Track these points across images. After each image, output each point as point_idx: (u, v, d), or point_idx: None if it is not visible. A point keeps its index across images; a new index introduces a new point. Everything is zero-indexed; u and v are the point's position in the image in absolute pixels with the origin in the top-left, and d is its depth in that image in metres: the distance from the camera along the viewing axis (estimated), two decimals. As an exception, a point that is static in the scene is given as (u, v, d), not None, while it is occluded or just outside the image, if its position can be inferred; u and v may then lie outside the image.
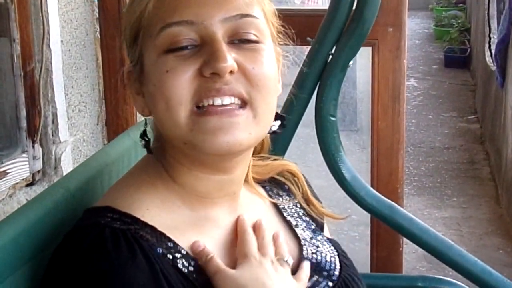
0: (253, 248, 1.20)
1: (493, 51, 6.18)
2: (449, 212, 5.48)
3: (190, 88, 1.13)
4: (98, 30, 2.85)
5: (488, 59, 6.53)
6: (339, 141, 2.09)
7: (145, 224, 1.15)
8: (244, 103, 1.15)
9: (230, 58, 1.12)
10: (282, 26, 1.30)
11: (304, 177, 1.49)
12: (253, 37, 1.16)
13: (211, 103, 1.12)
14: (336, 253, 1.38)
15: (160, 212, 1.19)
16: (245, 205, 1.32)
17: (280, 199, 1.43)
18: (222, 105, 1.12)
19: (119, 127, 1.89)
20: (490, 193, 5.89)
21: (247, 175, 1.34)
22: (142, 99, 1.23)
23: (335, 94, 2.04)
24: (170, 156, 1.22)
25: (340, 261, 1.36)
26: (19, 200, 2.54)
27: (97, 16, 2.83)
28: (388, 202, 2.11)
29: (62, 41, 2.80)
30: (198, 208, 1.24)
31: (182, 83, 1.12)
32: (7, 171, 2.59)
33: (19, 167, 2.64)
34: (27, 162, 2.68)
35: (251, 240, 1.21)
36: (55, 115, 2.75)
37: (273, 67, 1.20)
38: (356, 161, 2.06)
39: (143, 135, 1.26)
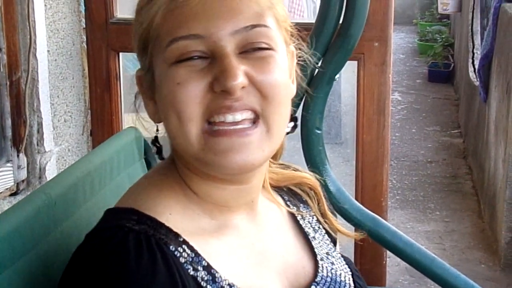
0: None
1: (476, 66, 6.19)
2: (432, 226, 5.49)
3: (202, 103, 1.11)
4: (85, 40, 2.83)
5: (472, 74, 6.55)
6: (324, 154, 2.10)
7: (169, 230, 1.13)
8: (256, 116, 1.13)
9: (240, 74, 1.09)
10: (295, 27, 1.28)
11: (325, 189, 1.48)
12: (263, 45, 1.14)
13: (222, 120, 1.10)
14: (350, 273, 1.37)
15: (181, 218, 1.18)
16: (263, 213, 1.31)
17: (297, 209, 1.41)
18: (234, 123, 1.10)
19: (104, 137, 1.88)
20: (473, 207, 5.91)
21: (264, 180, 1.32)
22: (153, 105, 1.21)
23: (321, 107, 2.05)
24: (183, 166, 1.21)
25: (354, 281, 1.35)
26: (2, 209, 2.53)
27: (84, 26, 2.81)
28: (372, 215, 2.11)
29: (48, 51, 2.79)
30: (218, 216, 1.22)
31: (193, 98, 1.11)
32: (-6, 180, 2.59)
33: (3, 176, 2.64)
34: (11, 172, 2.67)
35: None
36: (40, 125, 2.74)
37: (284, 73, 1.18)
38: (341, 174, 2.06)
39: (155, 141, 1.26)
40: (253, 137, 1.12)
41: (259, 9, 1.14)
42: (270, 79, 1.13)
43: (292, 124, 1.29)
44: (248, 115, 1.12)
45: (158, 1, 1.15)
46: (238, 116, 1.11)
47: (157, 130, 1.24)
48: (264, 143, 1.14)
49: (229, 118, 1.10)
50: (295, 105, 1.72)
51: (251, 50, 1.13)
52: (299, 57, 1.30)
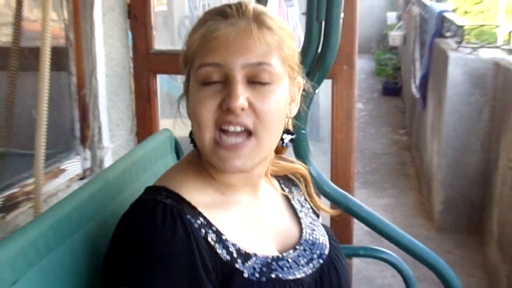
0: None
1: (417, 84, 6.19)
2: (386, 200, 5.50)
3: (213, 117, 1.12)
4: (132, 66, 2.82)
5: (414, 89, 6.54)
6: (308, 148, 2.09)
7: (188, 204, 1.14)
8: (250, 133, 1.13)
9: (242, 98, 1.10)
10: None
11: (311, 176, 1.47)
12: (266, 80, 1.13)
13: (226, 129, 1.11)
14: (327, 237, 1.36)
15: (199, 195, 1.18)
16: (263, 193, 1.30)
17: (289, 191, 1.40)
18: (235, 133, 1.12)
19: (146, 136, 1.89)
20: (415, 186, 5.92)
21: (266, 171, 1.32)
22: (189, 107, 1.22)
23: (306, 114, 2.04)
24: (204, 157, 1.21)
25: (329, 243, 1.34)
26: (73, 189, 2.52)
27: (131, 56, 2.80)
28: (343, 193, 2.10)
29: (106, 74, 2.78)
30: (227, 194, 1.22)
31: (207, 114, 1.12)
32: (65, 169, 2.59)
33: (74, 165, 2.64)
34: (79, 162, 2.67)
35: None
36: (99, 128, 2.74)
37: (279, 103, 1.17)
38: (320, 163, 2.04)
39: (191, 134, 1.25)
40: (244, 150, 1.13)
41: (267, 49, 1.14)
42: (266, 108, 1.13)
43: (289, 137, 1.28)
44: (244, 129, 1.13)
45: (196, 34, 1.16)
46: (238, 128, 1.12)
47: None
48: (254, 154, 1.14)
49: (231, 128, 1.12)
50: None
51: (256, 82, 1.13)
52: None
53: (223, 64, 1.11)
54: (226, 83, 1.12)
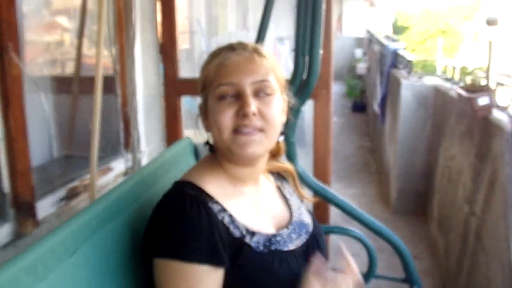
0: None
1: (378, 103, 6.18)
2: (354, 190, 5.48)
3: (231, 122, 1.13)
4: (164, 90, 2.83)
5: (375, 107, 6.53)
6: (295, 152, 2.07)
7: (207, 195, 1.15)
8: (260, 130, 1.15)
9: (253, 106, 1.13)
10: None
11: (296, 173, 1.47)
12: (268, 92, 1.16)
13: (242, 130, 1.13)
14: (311, 219, 1.36)
15: (216, 188, 1.18)
16: (262, 185, 1.31)
17: (281, 184, 1.40)
18: (248, 132, 1.14)
19: (172, 143, 1.89)
20: (376, 180, 5.91)
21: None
22: (206, 122, 1.22)
23: (294, 126, 2.04)
24: (221, 156, 1.21)
25: (313, 223, 1.34)
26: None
27: (162, 81, 2.81)
28: (322, 185, 2.09)
29: (143, 96, 2.79)
30: (237, 185, 1.23)
31: (226, 119, 1.13)
32: (113, 167, 2.59)
33: (119, 165, 2.64)
34: (123, 163, 2.67)
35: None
36: (138, 137, 2.74)
37: (278, 109, 1.19)
38: (305, 163, 2.04)
39: (207, 142, 1.27)
40: (257, 137, 1.14)
41: (266, 70, 1.16)
42: (270, 112, 1.15)
43: (282, 137, 1.28)
44: (255, 129, 1.14)
45: (212, 63, 1.18)
46: (250, 129, 1.13)
47: (208, 136, 1.26)
48: (264, 143, 1.16)
49: (245, 130, 1.13)
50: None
51: (261, 94, 1.15)
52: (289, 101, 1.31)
53: (236, 83, 1.14)
54: (238, 97, 1.14)
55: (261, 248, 1.15)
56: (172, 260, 1.06)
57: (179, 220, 1.07)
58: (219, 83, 1.15)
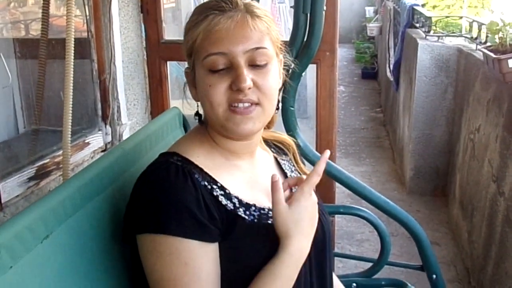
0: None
1: (391, 68, 6.18)
2: (364, 168, 5.50)
3: (224, 96, 1.14)
4: (145, 54, 2.82)
5: (388, 73, 6.52)
6: (296, 123, 2.09)
7: (195, 166, 1.17)
8: (256, 104, 1.16)
9: (248, 79, 1.13)
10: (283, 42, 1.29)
11: (296, 146, 1.49)
12: (263, 62, 1.16)
13: (237, 105, 1.14)
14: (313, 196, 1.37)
15: (205, 159, 1.20)
16: (259, 158, 1.32)
17: (280, 159, 1.42)
18: (244, 107, 1.15)
19: (158, 115, 1.90)
20: (389, 156, 5.92)
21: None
22: (195, 90, 1.23)
23: (294, 93, 2.04)
24: (211, 128, 1.23)
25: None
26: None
27: (144, 45, 2.80)
28: (327, 161, 2.09)
29: (123, 61, 2.78)
30: (230, 159, 1.24)
31: (219, 94, 1.14)
32: (90, 142, 2.60)
33: (97, 139, 2.65)
34: (101, 137, 2.68)
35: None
36: (118, 107, 2.74)
37: (275, 78, 1.21)
38: (307, 136, 2.05)
39: (197, 113, 1.28)
40: (253, 114, 1.15)
41: (260, 35, 1.16)
42: (266, 83, 1.16)
43: (279, 104, 1.29)
44: (251, 103, 1.15)
45: (198, 28, 1.16)
46: (246, 104, 1.14)
47: (198, 106, 1.26)
48: (261, 118, 1.17)
49: (240, 105, 1.14)
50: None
51: (256, 65, 1.15)
52: (285, 62, 1.30)
53: (227, 52, 1.13)
54: (231, 68, 1.13)
55: (256, 221, 1.17)
56: (156, 234, 1.07)
57: (163, 191, 1.09)
58: (207, 52, 1.14)
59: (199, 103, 1.24)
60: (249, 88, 1.13)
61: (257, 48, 1.15)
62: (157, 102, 2.78)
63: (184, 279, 1.06)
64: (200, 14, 1.18)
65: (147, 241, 1.09)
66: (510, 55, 2.92)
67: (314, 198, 1.17)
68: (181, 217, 1.07)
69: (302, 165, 1.46)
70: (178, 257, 1.06)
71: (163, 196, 1.08)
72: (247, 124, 1.16)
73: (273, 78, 1.19)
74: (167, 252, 1.07)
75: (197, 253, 1.07)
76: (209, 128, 1.24)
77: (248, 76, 1.13)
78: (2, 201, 1.98)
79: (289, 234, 1.12)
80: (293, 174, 1.40)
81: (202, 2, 1.26)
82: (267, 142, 1.42)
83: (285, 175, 1.38)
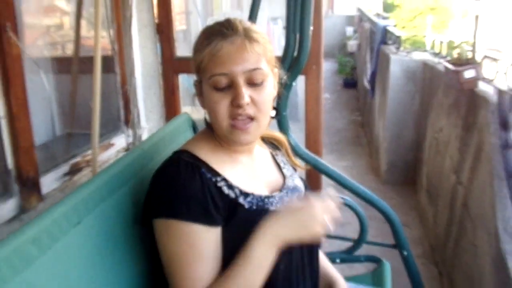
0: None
1: (368, 79, 6.17)
2: (346, 163, 5.50)
3: (226, 112, 1.14)
4: (160, 68, 2.82)
5: (366, 83, 6.52)
6: (288, 125, 2.08)
7: (202, 162, 1.16)
8: (252, 118, 1.15)
9: (246, 97, 1.12)
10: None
11: (288, 143, 1.49)
12: (259, 81, 1.15)
13: (237, 119, 1.14)
14: (302, 184, 1.38)
15: (211, 156, 1.19)
16: (257, 154, 1.32)
17: (275, 153, 1.41)
18: (242, 120, 1.15)
19: (171, 119, 1.90)
20: (367, 152, 5.93)
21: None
22: (202, 99, 1.22)
23: (286, 100, 2.04)
24: (216, 132, 1.22)
25: (304, 189, 1.36)
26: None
27: (160, 61, 2.79)
28: (314, 156, 2.10)
29: (142, 74, 2.78)
30: (232, 155, 1.23)
31: (222, 110, 1.14)
32: (114, 143, 2.61)
33: (120, 141, 2.65)
34: (124, 138, 2.68)
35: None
36: (138, 114, 2.74)
37: (270, 93, 1.20)
38: (298, 136, 2.05)
39: (205, 120, 1.26)
40: (250, 130, 1.15)
41: (257, 57, 1.14)
42: (261, 99, 1.15)
43: (274, 112, 1.27)
44: (248, 117, 1.15)
45: (205, 51, 1.15)
46: (244, 117, 1.14)
47: (205, 113, 1.25)
48: (256, 132, 1.17)
49: (240, 118, 1.14)
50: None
51: (253, 83, 1.14)
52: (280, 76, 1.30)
53: (228, 73, 1.12)
54: (232, 87, 1.13)
55: (254, 207, 1.17)
56: (169, 219, 1.08)
57: (174, 182, 1.10)
58: (212, 73, 1.14)
59: (205, 110, 1.23)
60: (247, 104, 1.13)
61: (254, 69, 1.14)
62: (170, 109, 2.77)
63: (190, 257, 1.07)
64: (206, 38, 1.17)
65: (160, 224, 1.10)
66: (466, 67, 2.93)
67: (318, 217, 1.12)
68: (189, 205, 1.07)
69: (294, 158, 1.46)
70: (186, 239, 1.07)
71: (175, 187, 1.09)
72: (245, 138, 1.16)
73: (268, 93, 1.18)
74: (177, 234, 1.07)
75: (202, 235, 1.08)
76: (214, 131, 1.24)
77: (246, 94, 1.12)
78: (43, 193, 1.98)
79: (272, 220, 1.11)
80: (286, 166, 1.39)
81: (207, 23, 1.25)
82: (263, 139, 1.42)
83: (279, 167, 1.38)
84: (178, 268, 1.08)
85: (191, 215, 1.07)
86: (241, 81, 1.13)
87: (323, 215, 1.12)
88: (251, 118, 1.15)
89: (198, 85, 1.22)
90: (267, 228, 1.10)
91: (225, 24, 1.17)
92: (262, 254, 1.09)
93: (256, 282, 1.08)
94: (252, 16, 2.16)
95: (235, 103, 1.13)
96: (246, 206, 1.16)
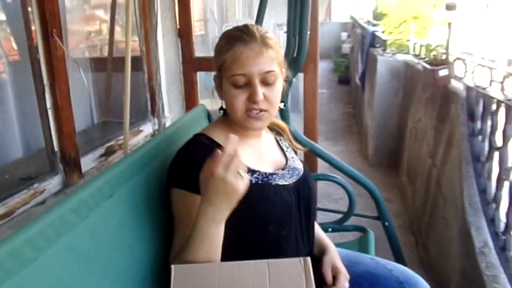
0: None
1: (359, 76, 6.14)
2: (339, 148, 5.49)
3: (243, 106, 1.15)
4: (181, 67, 2.81)
5: (357, 80, 6.48)
6: (289, 115, 2.07)
7: (217, 143, 1.18)
8: (265, 111, 1.17)
9: (261, 94, 1.14)
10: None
11: (289, 130, 1.46)
12: (272, 81, 1.16)
13: (251, 112, 1.16)
14: (302, 166, 1.37)
15: (224, 139, 1.15)
16: (264, 138, 1.32)
17: (279, 139, 1.41)
18: (256, 113, 1.16)
19: (190, 110, 1.90)
20: (357, 139, 5.91)
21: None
22: (220, 91, 1.22)
23: (287, 93, 2.02)
24: (231, 120, 1.22)
25: (304, 170, 1.35)
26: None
27: (181, 61, 2.79)
28: (311, 142, 2.10)
29: (165, 72, 2.78)
30: (243, 139, 1.22)
31: (240, 103, 1.15)
32: (142, 130, 2.60)
33: (147, 128, 2.65)
34: (151, 126, 2.68)
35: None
36: (162, 105, 2.74)
37: (280, 89, 1.20)
38: (297, 125, 2.05)
39: (221, 108, 1.27)
40: (262, 118, 1.17)
41: (271, 61, 1.15)
42: (273, 96, 1.16)
43: (282, 104, 1.28)
44: (261, 110, 1.16)
45: (228, 53, 1.15)
46: (258, 111, 1.15)
47: (222, 103, 1.26)
48: (266, 120, 1.19)
49: (254, 112, 1.15)
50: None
51: (267, 83, 1.15)
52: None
53: (247, 73, 1.13)
54: (248, 85, 1.14)
55: (260, 182, 1.18)
56: (180, 189, 1.11)
57: (191, 159, 1.12)
58: (233, 72, 1.14)
59: (223, 100, 1.24)
60: (262, 100, 1.15)
61: (268, 72, 1.15)
62: (189, 101, 2.78)
63: (189, 222, 1.04)
64: (228, 42, 1.17)
65: (173, 193, 1.13)
66: (441, 67, 2.92)
67: (238, 188, 0.98)
68: (197, 179, 1.04)
69: (294, 142, 1.45)
70: (189, 207, 1.08)
71: (189, 164, 1.11)
72: (258, 124, 1.18)
73: (278, 90, 1.19)
74: (184, 202, 1.10)
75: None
76: (229, 119, 1.24)
77: (260, 92, 1.14)
78: (83, 171, 2.00)
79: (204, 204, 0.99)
80: (288, 150, 1.39)
81: (224, 30, 1.25)
82: (269, 126, 1.41)
83: (282, 149, 1.38)
84: (177, 231, 1.11)
85: (198, 188, 1.06)
86: (257, 81, 1.14)
87: (230, 172, 0.96)
88: (264, 111, 1.17)
89: (218, 79, 1.22)
90: (202, 211, 0.99)
91: (244, 30, 1.18)
92: (204, 229, 0.99)
93: (202, 252, 1.00)
94: (258, 23, 2.16)
95: (251, 99, 1.14)
96: (253, 181, 1.16)
